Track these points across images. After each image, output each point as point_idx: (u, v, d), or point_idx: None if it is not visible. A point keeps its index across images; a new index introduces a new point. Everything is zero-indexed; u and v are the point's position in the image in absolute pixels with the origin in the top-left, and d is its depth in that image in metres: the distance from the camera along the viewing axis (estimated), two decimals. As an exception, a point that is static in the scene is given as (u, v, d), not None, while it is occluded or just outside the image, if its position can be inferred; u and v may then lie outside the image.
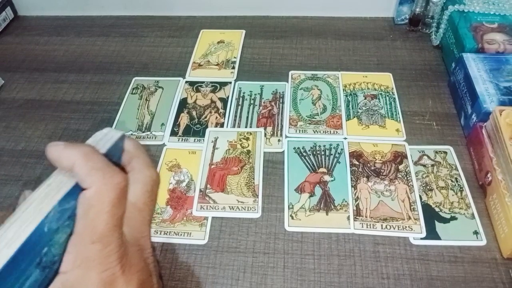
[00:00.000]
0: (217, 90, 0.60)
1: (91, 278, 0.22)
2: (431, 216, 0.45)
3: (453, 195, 0.46)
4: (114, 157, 0.26)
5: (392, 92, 0.58)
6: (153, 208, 0.27)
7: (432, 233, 0.43)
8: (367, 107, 0.56)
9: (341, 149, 0.51)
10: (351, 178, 0.48)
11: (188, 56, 0.66)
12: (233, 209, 0.46)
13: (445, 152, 0.50)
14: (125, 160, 0.27)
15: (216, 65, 0.64)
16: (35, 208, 0.22)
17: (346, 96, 0.58)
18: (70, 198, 0.23)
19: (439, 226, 0.44)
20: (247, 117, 0.56)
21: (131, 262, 0.24)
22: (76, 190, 0.24)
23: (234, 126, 0.55)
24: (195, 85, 0.61)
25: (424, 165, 0.49)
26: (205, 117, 0.56)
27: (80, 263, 0.22)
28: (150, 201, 0.26)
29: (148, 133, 0.55)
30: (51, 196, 0.23)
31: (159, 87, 0.61)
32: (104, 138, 0.26)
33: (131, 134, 0.55)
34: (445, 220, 0.44)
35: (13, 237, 0.21)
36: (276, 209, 0.46)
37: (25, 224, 0.22)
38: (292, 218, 0.45)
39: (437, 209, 0.45)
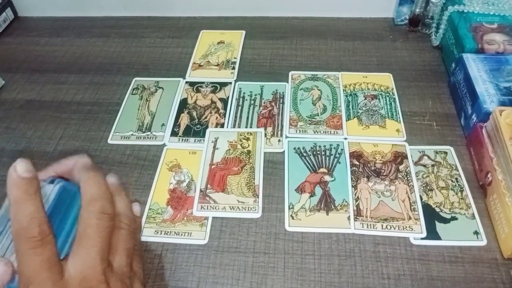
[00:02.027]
0: (217, 90, 0.60)
1: None
2: (432, 216, 0.45)
3: (453, 195, 0.46)
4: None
5: (392, 93, 0.58)
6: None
7: (432, 233, 0.43)
8: (367, 108, 0.56)
9: (341, 149, 0.51)
10: (352, 178, 0.48)
11: (188, 56, 0.66)
12: (233, 209, 0.46)
13: (445, 152, 0.50)
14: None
15: (216, 65, 0.64)
16: None
17: (346, 96, 0.58)
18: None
19: (439, 226, 0.44)
20: (247, 118, 0.56)
21: None
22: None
23: (234, 127, 0.55)
24: (195, 86, 0.61)
25: (424, 165, 0.49)
26: (205, 118, 0.56)
27: None
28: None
29: (149, 133, 0.55)
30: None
31: (159, 87, 0.61)
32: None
33: (132, 135, 0.55)
34: (445, 220, 0.44)
35: None
36: (277, 209, 0.46)
37: None
38: (293, 218, 0.45)
39: (437, 209, 0.45)
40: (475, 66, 0.52)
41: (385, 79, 0.60)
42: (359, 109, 0.56)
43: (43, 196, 0.28)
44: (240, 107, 0.57)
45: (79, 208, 0.29)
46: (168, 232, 0.45)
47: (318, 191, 0.47)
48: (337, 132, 0.53)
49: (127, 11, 0.75)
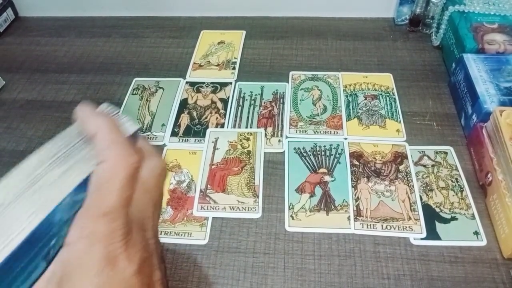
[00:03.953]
0: (218, 90, 0.60)
1: (95, 252, 0.22)
2: (432, 217, 0.45)
3: (453, 195, 0.46)
4: None
5: (393, 93, 0.58)
6: (159, 192, 0.28)
7: (432, 234, 0.43)
8: (368, 108, 0.56)
9: (342, 150, 0.51)
10: (352, 178, 0.48)
11: (189, 56, 0.66)
12: (233, 209, 0.46)
13: (446, 153, 0.50)
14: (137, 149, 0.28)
15: (217, 65, 0.64)
16: (50, 189, 0.22)
17: (347, 96, 0.58)
18: (83, 189, 0.24)
19: (439, 227, 0.44)
20: (248, 118, 0.56)
21: (134, 241, 0.24)
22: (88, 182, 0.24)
23: (234, 127, 0.55)
24: (195, 86, 0.61)
25: (424, 166, 0.49)
26: (206, 118, 0.56)
27: (85, 235, 0.22)
28: (157, 184, 0.27)
29: (149, 133, 0.55)
30: (68, 180, 0.23)
31: (160, 87, 0.61)
32: (122, 126, 0.27)
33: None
34: (445, 221, 0.44)
35: (22, 223, 0.21)
36: (277, 210, 0.46)
37: (37, 209, 0.21)
38: (293, 218, 0.45)
39: (437, 210, 0.45)
40: (475, 66, 0.52)
41: (386, 79, 0.60)
42: (359, 109, 0.56)
43: None
44: (240, 107, 0.57)
45: None
46: (168, 232, 0.45)
47: (318, 191, 0.47)
48: (337, 132, 0.53)
49: (128, 11, 0.75)
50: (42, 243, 0.22)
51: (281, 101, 0.58)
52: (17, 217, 0.21)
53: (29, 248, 0.21)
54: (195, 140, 0.54)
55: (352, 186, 0.47)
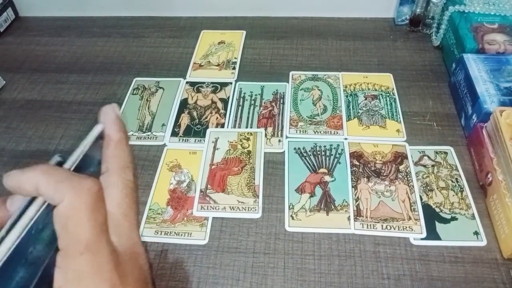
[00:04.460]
0: (218, 90, 0.60)
1: None
2: (432, 217, 0.45)
3: (453, 195, 0.46)
4: (94, 157, 0.25)
5: (393, 93, 0.58)
6: (136, 211, 0.25)
7: (432, 234, 0.43)
8: (368, 108, 0.56)
9: (342, 150, 0.51)
10: (352, 178, 0.48)
11: (189, 56, 0.66)
12: (233, 209, 0.46)
13: (446, 153, 0.50)
14: (103, 159, 0.25)
15: (217, 65, 0.64)
16: (26, 216, 0.22)
17: (347, 96, 0.58)
18: None
19: (439, 227, 0.44)
20: (248, 118, 0.56)
21: (126, 272, 0.22)
22: None
23: (234, 127, 0.55)
24: (195, 86, 0.61)
25: (424, 166, 0.49)
26: (206, 118, 0.56)
27: (72, 277, 0.21)
28: (132, 203, 0.25)
29: (149, 133, 0.55)
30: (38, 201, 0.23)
31: (160, 87, 0.61)
32: (87, 137, 0.25)
33: (132, 135, 0.55)
34: (445, 221, 0.44)
35: (3, 246, 0.21)
36: (277, 210, 0.46)
37: (16, 231, 0.21)
38: (293, 218, 0.45)
39: (437, 210, 0.45)
40: (475, 66, 0.52)
41: (386, 79, 0.60)
42: (360, 109, 0.56)
43: None
44: (240, 107, 0.57)
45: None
46: (168, 232, 0.45)
47: (318, 191, 0.47)
48: (337, 132, 0.53)
49: (128, 11, 0.75)
50: (20, 257, 0.21)
51: (281, 101, 0.58)
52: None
53: (12, 261, 0.21)
54: (195, 140, 0.54)
55: (352, 186, 0.47)
